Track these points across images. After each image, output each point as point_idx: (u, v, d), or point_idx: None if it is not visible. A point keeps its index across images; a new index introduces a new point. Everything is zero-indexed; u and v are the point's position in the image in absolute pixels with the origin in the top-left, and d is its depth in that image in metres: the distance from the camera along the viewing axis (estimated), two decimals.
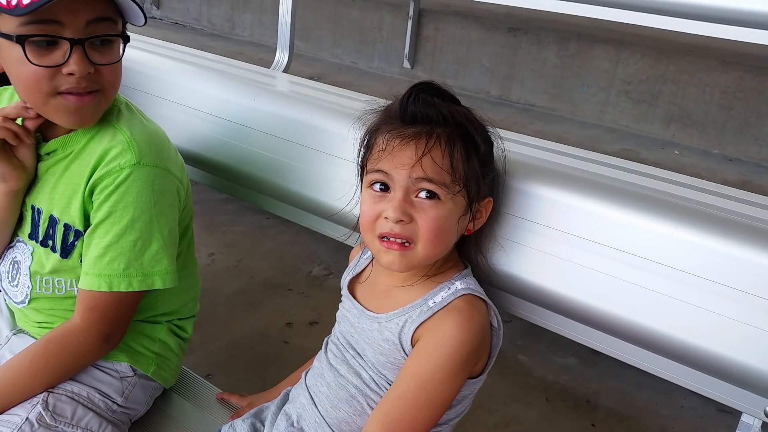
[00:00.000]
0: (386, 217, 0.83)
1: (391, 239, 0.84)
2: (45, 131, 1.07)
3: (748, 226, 0.87)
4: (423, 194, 0.83)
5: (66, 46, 0.93)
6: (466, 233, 0.91)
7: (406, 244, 0.84)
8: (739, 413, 0.90)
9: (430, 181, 0.82)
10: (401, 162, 0.83)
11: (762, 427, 0.88)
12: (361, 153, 0.91)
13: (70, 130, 1.05)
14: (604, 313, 0.93)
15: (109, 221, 1.00)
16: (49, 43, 0.93)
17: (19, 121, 1.05)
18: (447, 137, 0.83)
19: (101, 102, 1.00)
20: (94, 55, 0.96)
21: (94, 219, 1.01)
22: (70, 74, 0.94)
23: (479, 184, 0.87)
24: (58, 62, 0.93)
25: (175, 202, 1.07)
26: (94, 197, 1.01)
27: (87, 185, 1.01)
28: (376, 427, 0.85)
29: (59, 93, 0.96)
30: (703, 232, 0.86)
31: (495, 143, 0.92)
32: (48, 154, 1.06)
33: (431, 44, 4.15)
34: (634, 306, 0.90)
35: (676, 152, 3.32)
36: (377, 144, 0.86)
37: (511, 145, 0.98)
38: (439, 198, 0.83)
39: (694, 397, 1.82)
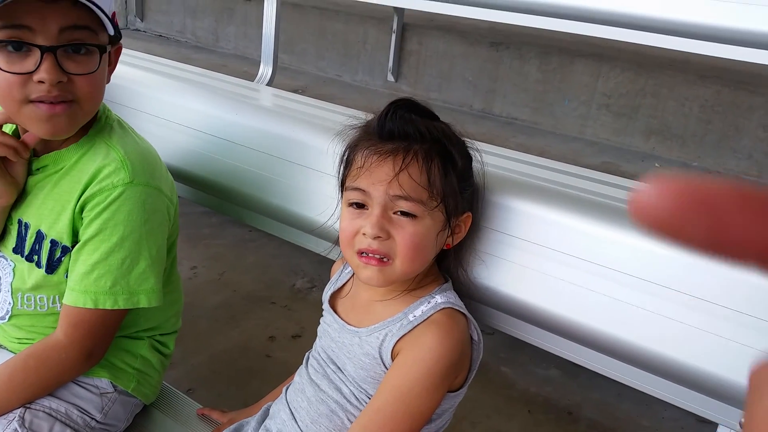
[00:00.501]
0: (364, 233, 0.84)
1: (370, 255, 0.85)
2: (37, 146, 1.05)
3: None
4: (400, 212, 0.84)
5: (38, 53, 0.91)
6: (445, 248, 0.91)
7: (385, 260, 0.85)
8: (717, 425, 0.92)
9: (406, 199, 0.83)
10: (379, 178, 0.83)
11: None
12: (341, 169, 0.91)
13: (63, 146, 1.04)
14: (583, 326, 0.94)
15: (99, 238, 0.99)
16: (21, 49, 0.91)
17: (8, 129, 1.04)
18: (424, 153, 0.84)
19: (77, 113, 0.98)
20: (68, 64, 0.94)
21: (84, 235, 1.00)
22: (41, 82, 0.92)
23: (457, 200, 0.87)
24: (28, 69, 0.92)
25: (165, 221, 1.06)
26: (84, 214, 1.00)
27: (78, 202, 1.00)
28: None
29: (31, 101, 0.94)
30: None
31: (474, 158, 0.93)
32: (38, 169, 1.05)
33: (415, 58, 4.18)
34: (613, 320, 0.91)
35: (657, 165, 3.37)
36: (356, 161, 0.87)
37: (493, 158, 1.00)
38: (416, 216, 0.84)
39: (675, 409, 1.83)
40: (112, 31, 0.98)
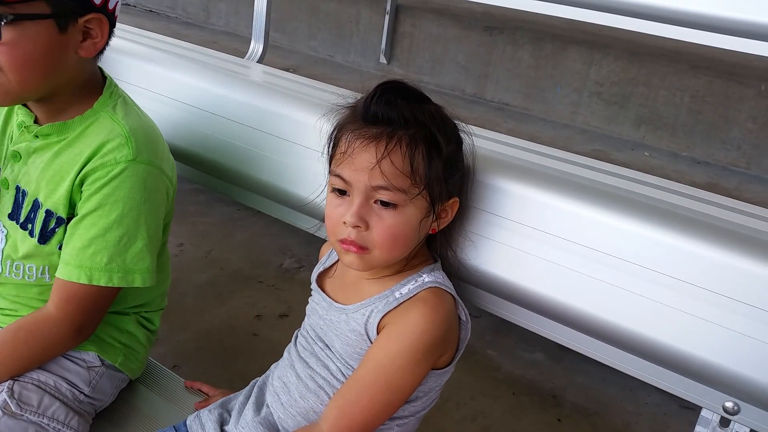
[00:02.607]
0: (345, 222, 0.84)
1: (349, 243, 0.85)
2: (41, 114, 1.05)
3: (713, 226, 0.89)
4: (380, 202, 0.83)
5: None
6: (431, 232, 0.91)
7: (364, 248, 0.85)
8: (699, 408, 0.92)
9: (387, 189, 0.82)
10: (360, 165, 0.83)
11: (720, 421, 0.91)
12: (327, 148, 0.91)
13: (67, 117, 1.02)
14: (570, 308, 0.95)
15: (97, 214, 0.98)
16: None
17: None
18: (408, 139, 0.82)
19: (3, 83, 0.93)
20: None
21: (82, 209, 0.99)
22: None
23: (442, 186, 0.86)
24: None
25: (163, 201, 1.06)
26: (84, 187, 0.99)
27: (78, 174, 0.99)
28: (333, 408, 0.87)
29: None
30: (670, 232, 0.88)
31: (465, 141, 0.92)
32: (37, 136, 1.04)
33: (408, 40, 4.15)
34: (599, 302, 0.92)
35: (646, 154, 3.38)
36: (341, 144, 0.86)
37: (485, 142, 0.99)
38: (396, 206, 0.83)
39: (658, 394, 1.86)
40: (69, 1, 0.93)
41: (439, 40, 4.03)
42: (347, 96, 0.92)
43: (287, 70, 3.34)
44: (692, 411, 1.76)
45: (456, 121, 0.91)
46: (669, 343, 0.88)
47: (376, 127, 0.83)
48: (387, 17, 4.11)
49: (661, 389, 0.95)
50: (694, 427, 0.93)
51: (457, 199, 0.91)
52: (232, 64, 1.60)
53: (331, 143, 0.90)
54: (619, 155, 3.32)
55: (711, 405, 0.90)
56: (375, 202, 0.83)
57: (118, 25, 1.06)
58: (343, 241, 0.85)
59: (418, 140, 0.83)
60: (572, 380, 1.91)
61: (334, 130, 0.89)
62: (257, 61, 2.47)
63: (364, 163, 0.82)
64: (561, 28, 3.68)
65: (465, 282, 1.03)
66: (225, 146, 1.34)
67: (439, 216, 0.89)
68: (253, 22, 2.51)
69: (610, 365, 0.97)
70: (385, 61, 4.24)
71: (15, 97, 0.98)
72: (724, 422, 0.90)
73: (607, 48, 3.52)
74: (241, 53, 2.57)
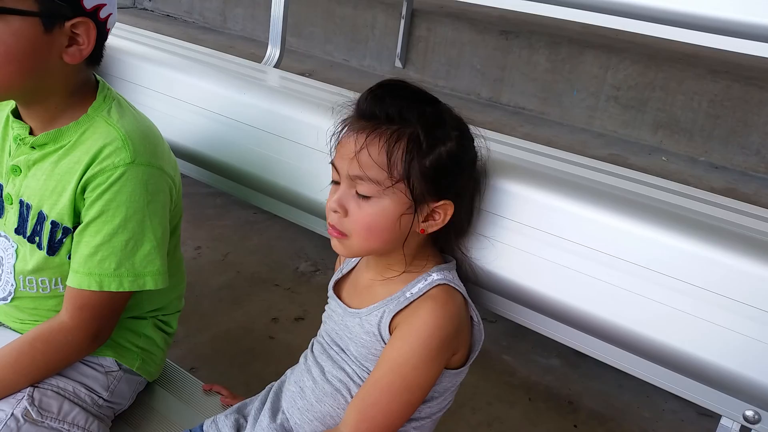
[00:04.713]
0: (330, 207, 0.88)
1: (331, 227, 0.89)
2: (33, 124, 1.04)
3: (731, 232, 0.88)
4: (356, 192, 0.86)
5: None
6: (420, 233, 0.89)
7: (343, 234, 0.88)
8: (718, 417, 0.91)
9: (361, 179, 0.85)
10: (344, 154, 0.86)
11: (740, 430, 0.90)
12: (335, 142, 0.92)
13: (62, 124, 1.02)
14: (587, 314, 0.94)
15: (101, 220, 0.98)
16: None
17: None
18: (390, 134, 0.84)
19: None
20: None
21: (86, 217, 0.99)
22: None
23: (427, 185, 0.85)
24: None
25: (167, 201, 1.05)
26: (86, 195, 0.99)
27: (79, 183, 0.99)
28: (353, 411, 0.88)
29: None
30: (688, 237, 0.87)
31: (476, 143, 0.92)
32: (34, 147, 1.03)
33: (423, 44, 4.15)
34: (617, 308, 0.91)
35: (664, 158, 3.35)
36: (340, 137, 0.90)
37: (500, 146, 0.99)
38: (370, 197, 0.85)
39: (675, 401, 1.84)
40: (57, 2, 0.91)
41: (454, 44, 4.03)
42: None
43: (303, 74, 3.36)
44: (710, 418, 1.74)
45: (469, 126, 0.91)
46: (688, 350, 0.87)
47: (366, 121, 0.86)
48: (402, 21, 4.11)
49: (678, 396, 0.94)
50: None
51: (449, 202, 0.88)
52: (250, 69, 1.61)
53: (335, 137, 0.92)
54: (636, 160, 3.30)
55: (730, 413, 0.89)
56: (355, 192, 0.86)
57: (135, 29, 1.05)
58: (329, 226, 0.89)
59: (400, 137, 0.84)
60: (589, 386, 1.90)
61: (338, 125, 0.92)
62: (274, 66, 2.49)
63: (348, 152, 0.86)
64: (577, 32, 3.67)
65: (481, 287, 1.02)
66: (241, 150, 1.35)
67: (429, 217, 0.88)
68: (270, 27, 2.53)
69: (626, 371, 0.96)
70: (400, 66, 4.24)
71: None
72: (745, 431, 0.89)
73: (623, 52, 3.49)
74: (258, 58, 2.58)
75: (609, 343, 0.95)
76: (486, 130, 0.95)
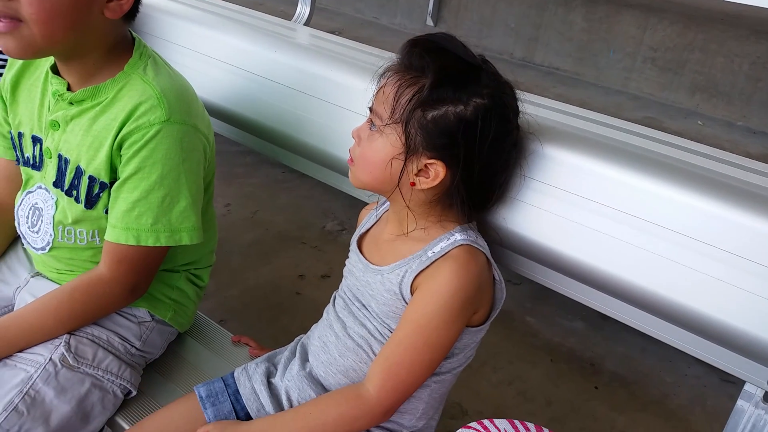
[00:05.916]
0: None
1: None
2: (71, 79, 1.06)
3: (766, 198, 0.87)
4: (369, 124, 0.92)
5: None
6: (410, 185, 0.89)
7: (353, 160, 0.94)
8: (741, 383, 0.91)
9: (372, 111, 0.91)
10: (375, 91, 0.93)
11: (764, 396, 0.90)
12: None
13: (99, 81, 1.03)
14: (614, 277, 0.94)
15: (138, 176, 1.00)
16: None
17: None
18: (407, 80, 0.87)
19: (25, 35, 0.93)
20: None
21: (123, 173, 1.01)
22: None
23: (423, 137, 0.86)
24: None
25: (201, 159, 1.07)
26: (122, 151, 1.01)
27: (115, 139, 1.01)
28: (378, 370, 0.90)
29: None
30: (720, 203, 0.86)
31: (520, 120, 0.92)
32: (72, 103, 1.05)
33: (456, 1, 4.07)
34: (645, 272, 0.91)
35: (700, 122, 3.27)
36: None
37: (531, 107, 0.98)
38: (374, 133, 0.90)
39: (698, 366, 1.84)
40: None
41: (488, 1, 3.94)
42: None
43: (333, 32, 3.33)
44: (733, 385, 1.74)
45: (517, 92, 0.92)
46: (714, 315, 0.87)
47: (398, 67, 0.90)
48: None
49: (701, 361, 0.94)
50: (733, 401, 0.92)
51: (441, 163, 0.87)
52: (280, 27, 1.60)
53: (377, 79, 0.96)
54: (671, 123, 3.23)
55: (755, 379, 0.89)
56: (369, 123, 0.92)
57: None
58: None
59: (412, 84, 0.86)
60: (611, 349, 1.91)
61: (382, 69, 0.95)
62: (304, 24, 2.47)
63: (376, 90, 0.93)
64: None
65: (506, 248, 1.03)
66: (271, 109, 1.36)
67: (422, 173, 0.88)
68: None
69: (651, 335, 0.97)
70: (432, 24, 4.17)
71: (37, 50, 0.97)
72: None
73: (662, 12, 3.38)
74: (288, 15, 2.56)
75: (635, 306, 0.96)
76: (518, 91, 0.94)
